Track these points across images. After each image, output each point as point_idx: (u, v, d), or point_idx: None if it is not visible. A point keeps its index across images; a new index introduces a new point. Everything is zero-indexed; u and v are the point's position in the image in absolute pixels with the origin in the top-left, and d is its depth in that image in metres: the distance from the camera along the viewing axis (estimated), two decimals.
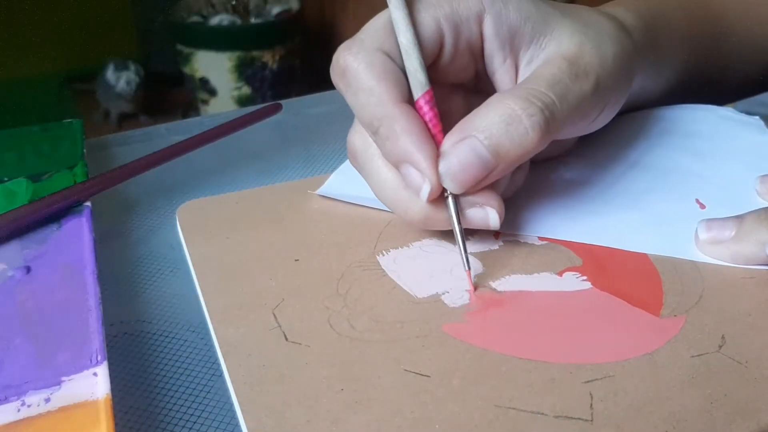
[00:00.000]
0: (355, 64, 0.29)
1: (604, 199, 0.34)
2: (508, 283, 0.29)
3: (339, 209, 0.34)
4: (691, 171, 0.36)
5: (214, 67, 1.84)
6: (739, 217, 0.30)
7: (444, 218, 0.29)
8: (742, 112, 0.41)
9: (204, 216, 0.34)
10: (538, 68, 0.31)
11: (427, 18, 0.30)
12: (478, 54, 0.32)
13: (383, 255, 0.31)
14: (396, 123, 0.28)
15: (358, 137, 0.31)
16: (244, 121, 0.42)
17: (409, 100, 0.29)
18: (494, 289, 0.29)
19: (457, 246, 0.29)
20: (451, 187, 0.29)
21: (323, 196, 0.35)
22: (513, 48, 0.31)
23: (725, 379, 0.24)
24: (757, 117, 0.40)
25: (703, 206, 0.34)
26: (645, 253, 0.31)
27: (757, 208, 0.30)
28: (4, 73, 1.78)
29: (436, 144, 0.29)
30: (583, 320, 0.27)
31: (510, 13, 0.31)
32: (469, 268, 0.29)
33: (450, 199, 0.29)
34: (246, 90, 1.86)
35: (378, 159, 0.30)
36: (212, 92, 1.87)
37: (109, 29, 1.99)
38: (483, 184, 0.29)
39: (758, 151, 0.37)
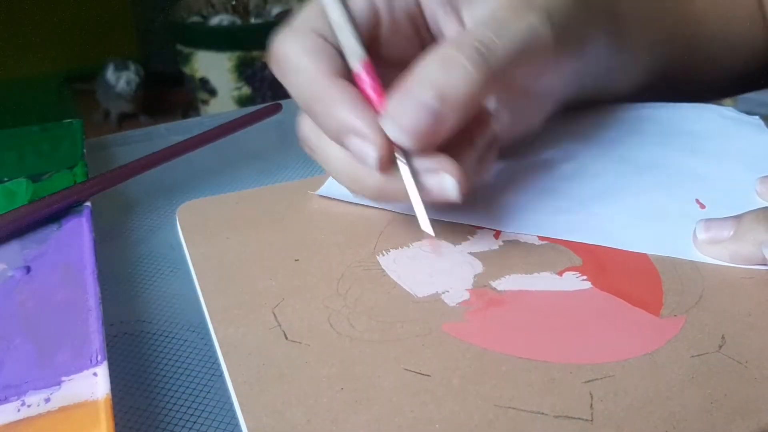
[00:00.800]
0: (286, 47, 0.29)
1: (604, 199, 0.34)
2: (508, 282, 0.29)
3: (339, 209, 0.34)
4: (691, 171, 0.36)
5: (214, 67, 1.84)
6: (737, 217, 0.30)
7: (400, 188, 0.28)
8: (742, 112, 0.41)
9: (204, 216, 0.34)
10: (479, 15, 0.30)
11: None
12: (419, 22, 0.31)
13: (383, 255, 0.31)
14: (330, 97, 0.28)
15: (306, 122, 0.31)
16: (244, 121, 0.42)
17: (347, 76, 0.28)
18: (494, 289, 0.29)
19: (415, 209, 0.28)
20: (403, 140, 0.27)
21: (323, 196, 0.35)
22: (453, 5, 0.31)
23: (725, 379, 0.24)
24: (758, 117, 0.40)
25: (703, 206, 0.34)
26: (645, 253, 0.31)
27: (755, 209, 0.30)
28: (4, 73, 1.79)
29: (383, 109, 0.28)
30: (583, 320, 0.27)
31: None
32: (432, 233, 0.28)
33: (402, 163, 0.28)
34: (246, 90, 1.86)
35: (325, 139, 0.30)
36: (212, 92, 1.88)
37: (109, 29, 1.99)
38: (436, 137, 0.28)
39: (758, 151, 0.37)
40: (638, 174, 0.36)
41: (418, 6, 0.31)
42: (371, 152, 0.27)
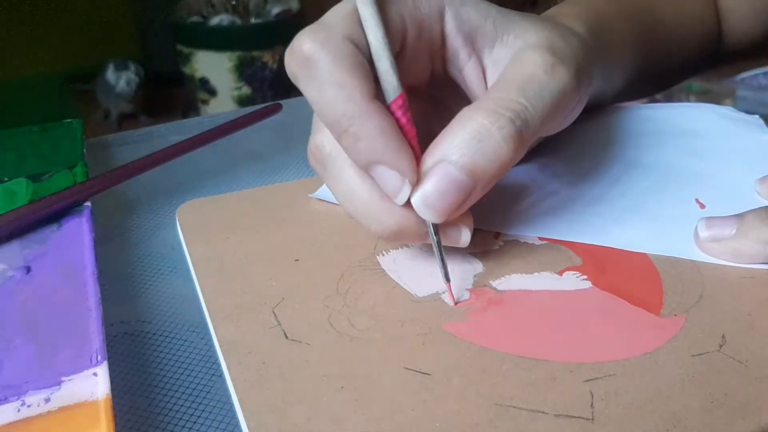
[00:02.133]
0: (323, 54, 0.26)
1: (603, 199, 0.34)
2: (508, 282, 0.29)
3: (339, 209, 0.34)
4: (691, 171, 0.36)
5: (214, 67, 1.84)
6: (739, 216, 0.30)
7: (417, 231, 0.28)
8: (742, 111, 0.41)
9: (204, 216, 0.34)
10: (507, 69, 0.29)
11: (393, 15, 0.28)
12: (436, 54, 0.30)
13: (383, 255, 0.31)
14: (370, 121, 0.26)
15: (328, 140, 0.28)
16: (244, 121, 0.42)
17: (380, 99, 0.27)
18: (494, 289, 0.29)
19: (437, 260, 0.28)
20: (432, 217, 0.27)
21: (320, 199, 0.35)
22: (476, 47, 0.30)
23: (725, 379, 0.24)
24: (757, 116, 0.40)
25: (702, 206, 0.34)
26: (645, 253, 0.31)
27: (756, 207, 0.30)
28: (4, 73, 1.79)
29: (414, 151, 0.27)
30: (584, 319, 0.27)
31: (469, 11, 0.29)
32: (449, 280, 0.28)
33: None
34: (246, 90, 1.86)
35: (349, 167, 0.28)
36: (212, 92, 1.88)
37: (109, 29, 1.99)
38: (464, 208, 0.27)
39: (758, 151, 0.37)
40: (638, 174, 0.36)
41: (441, 38, 0.30)
42: (404, 187, 0.26)
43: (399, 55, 0.29)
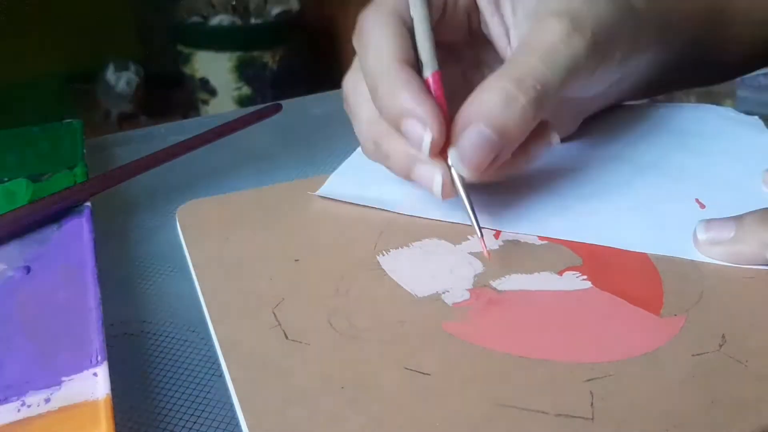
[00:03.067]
0: (370, 24, 0.31)
1: (604, 198, 0.34)
2: (508, 282, 0.29)
3: (339, 209, 0.34)
4: (691, 171, 0.36)
5: (214, 67, 1.84)
6: (738, 218, 0.30)
7: (430, 173, 0.30)
8: (741, 112, 0.41)
9: (204, 216, 0.34)
10: (529, 35, 0.31)
11: None
12: (474, 17, 0.35)
13: (383, 255, 0.31)
14: (396, 78, 0.29)
15: (350, 79, 0.33)
16: (244, 121, 0.42)
17: (415, 66, 0.30)
18: (494, 289, 0.29)
19: (468, 215, 0.30)
20: (466, 172, 0.30)
21: (323, 197, 0.35)
22: (498, 4, 0.34)
23: (726, 378, 0.24)
24: (757, 117, 0.40)
25: (702, 206, 0.33)
26: (645, 253, 0.31)
27: (756, 209, 0.30)
28: (4, 73, 1.78)
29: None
30: (584, 319, 0.27)
31: None
32: (482, 235, 0.30)
33: (454, 172, 0.30)
34: (246, 90, 1.86)
35: (367, 102, 0.31)
36: (212, 92, 1.87)
37: (109, 29, 1.99)
38: (493, 167, 0.30)
39: (758, 152, 0.37)
40: (638, 174, 0.36)
41: (475, 4, 0.34)
42: (426, 136, 0.29)
43: (441, 16, 0.33)
